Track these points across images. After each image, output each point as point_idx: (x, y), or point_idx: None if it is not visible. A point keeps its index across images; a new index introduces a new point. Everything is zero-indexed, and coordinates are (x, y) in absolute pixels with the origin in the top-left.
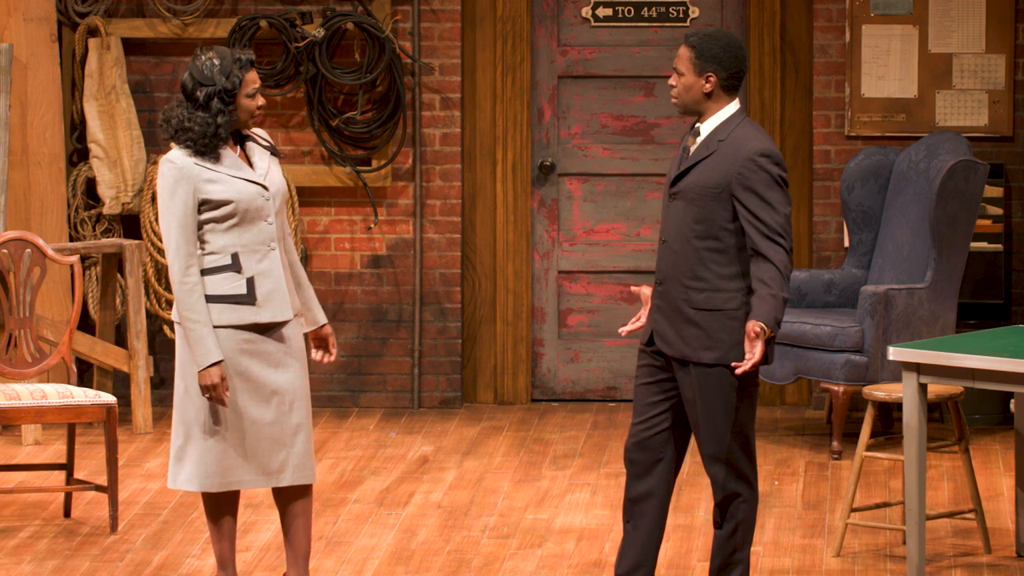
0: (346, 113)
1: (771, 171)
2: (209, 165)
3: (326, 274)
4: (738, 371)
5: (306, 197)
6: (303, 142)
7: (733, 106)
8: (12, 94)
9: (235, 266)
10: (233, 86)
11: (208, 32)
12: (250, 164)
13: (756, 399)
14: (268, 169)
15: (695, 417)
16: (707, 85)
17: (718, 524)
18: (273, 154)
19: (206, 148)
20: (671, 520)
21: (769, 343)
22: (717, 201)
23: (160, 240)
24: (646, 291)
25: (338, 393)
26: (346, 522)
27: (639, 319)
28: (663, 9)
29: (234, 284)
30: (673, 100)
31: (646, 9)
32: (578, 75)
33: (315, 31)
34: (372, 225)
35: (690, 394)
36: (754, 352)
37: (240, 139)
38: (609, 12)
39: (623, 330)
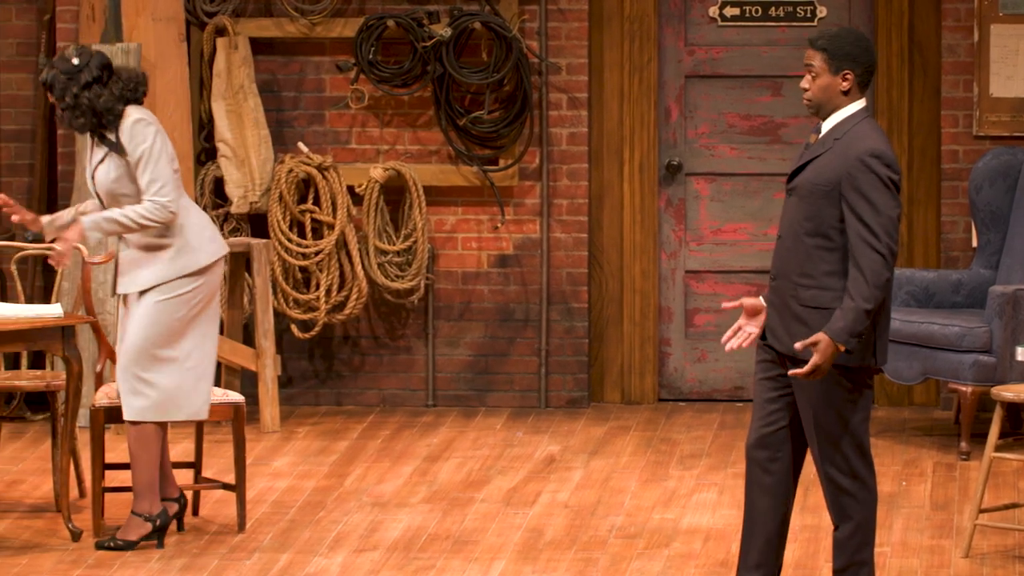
0: (473, 112)
1: (879, 172)
2: None
3: (453, 273)
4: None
5: (433, 196)
6: (430, 141)
7: (857, 104)
8: None
9: None
10: None
11: (336, 31)
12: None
13: (870, 397)
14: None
15: (807, 416)
16: (844, 83)
17: (836, 526)
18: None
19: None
20: (798, 520)
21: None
22: (827, 199)
23: (288, 240)
24: (748, 301)
25: (465, 392)
26: (473, 521)
27: (740, 328)
28: (790, 9)
29: None
30: (806, 102)
31: (773, 9)
32: (705, 75)
33: (442, 31)
34: (499, 224)
35: (801, 392)
36: (810, 363)
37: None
38: (736, 12)
39: (734, 345)
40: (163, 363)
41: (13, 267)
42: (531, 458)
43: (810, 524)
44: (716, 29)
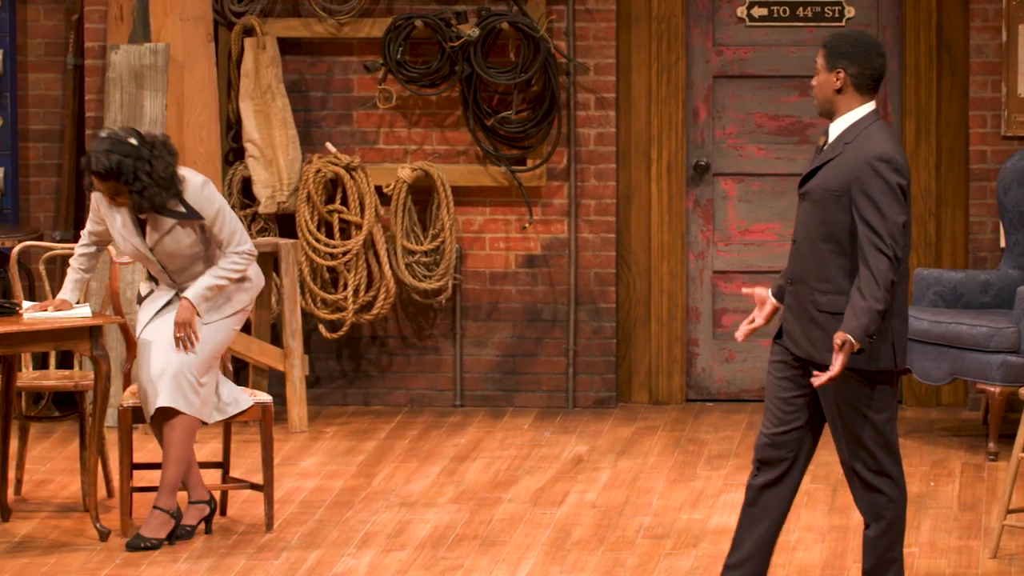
0: (501, 113)
1: (888, 177)
2: None
3: (481, 273)
4: (815, 383)
5: (461, 196)
6: (458, 141)
7: (866, 108)
8: (169, 94)
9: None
10: None
11: (363, 32)
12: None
13: (895, 396)
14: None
15: (833, 417)
16: (837, 81)
17: (867, 524)
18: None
19: None
20: (826, 520)
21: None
22: (839, 204)
23: (316, 240)
24: (760, 292)
25: (492, 393)
26: (500, 521)
27: (753, 321)
28: (818, 9)
29: None
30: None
31: (801, 9)
32: (733, 75)
33: (470, 31)
34: (527, 225)
35: (825, 396)
36: (835, 365)
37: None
38: (764, 12)
39: (739, 335)
40: (214, 368)
41: (41, 267)
42: (559, 458)
43: (838, 524)
44: (744, 29)
